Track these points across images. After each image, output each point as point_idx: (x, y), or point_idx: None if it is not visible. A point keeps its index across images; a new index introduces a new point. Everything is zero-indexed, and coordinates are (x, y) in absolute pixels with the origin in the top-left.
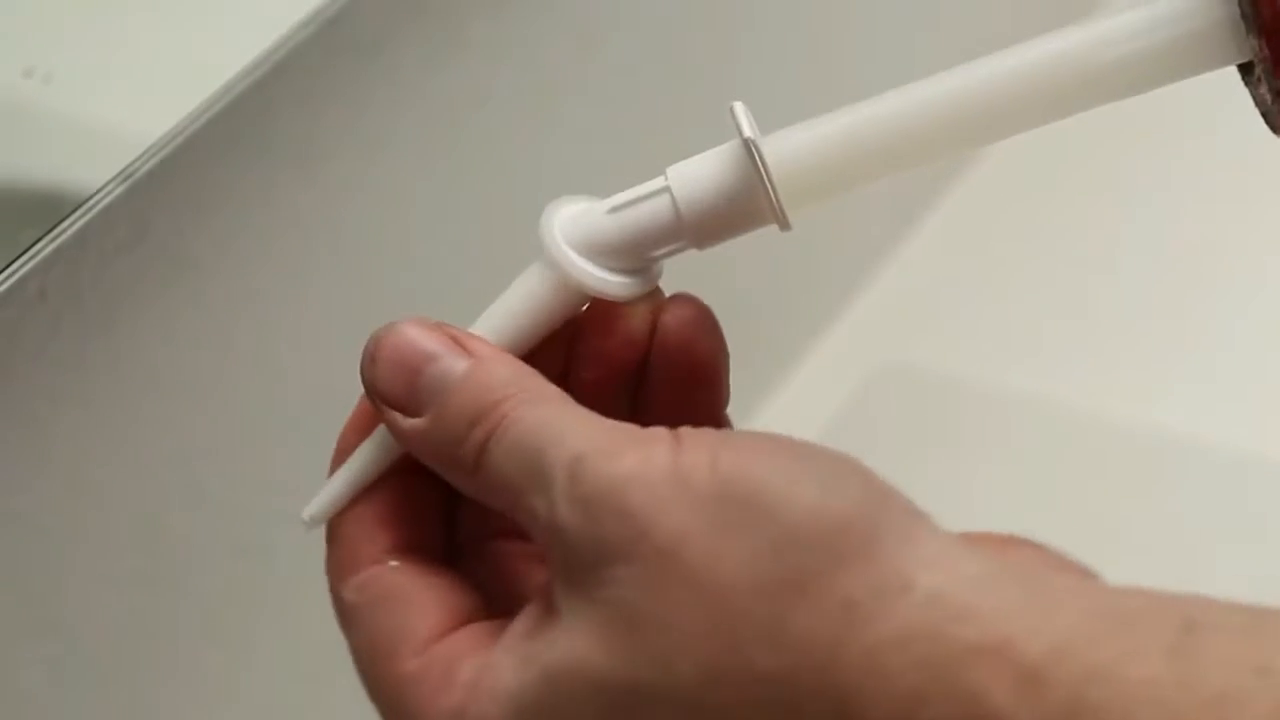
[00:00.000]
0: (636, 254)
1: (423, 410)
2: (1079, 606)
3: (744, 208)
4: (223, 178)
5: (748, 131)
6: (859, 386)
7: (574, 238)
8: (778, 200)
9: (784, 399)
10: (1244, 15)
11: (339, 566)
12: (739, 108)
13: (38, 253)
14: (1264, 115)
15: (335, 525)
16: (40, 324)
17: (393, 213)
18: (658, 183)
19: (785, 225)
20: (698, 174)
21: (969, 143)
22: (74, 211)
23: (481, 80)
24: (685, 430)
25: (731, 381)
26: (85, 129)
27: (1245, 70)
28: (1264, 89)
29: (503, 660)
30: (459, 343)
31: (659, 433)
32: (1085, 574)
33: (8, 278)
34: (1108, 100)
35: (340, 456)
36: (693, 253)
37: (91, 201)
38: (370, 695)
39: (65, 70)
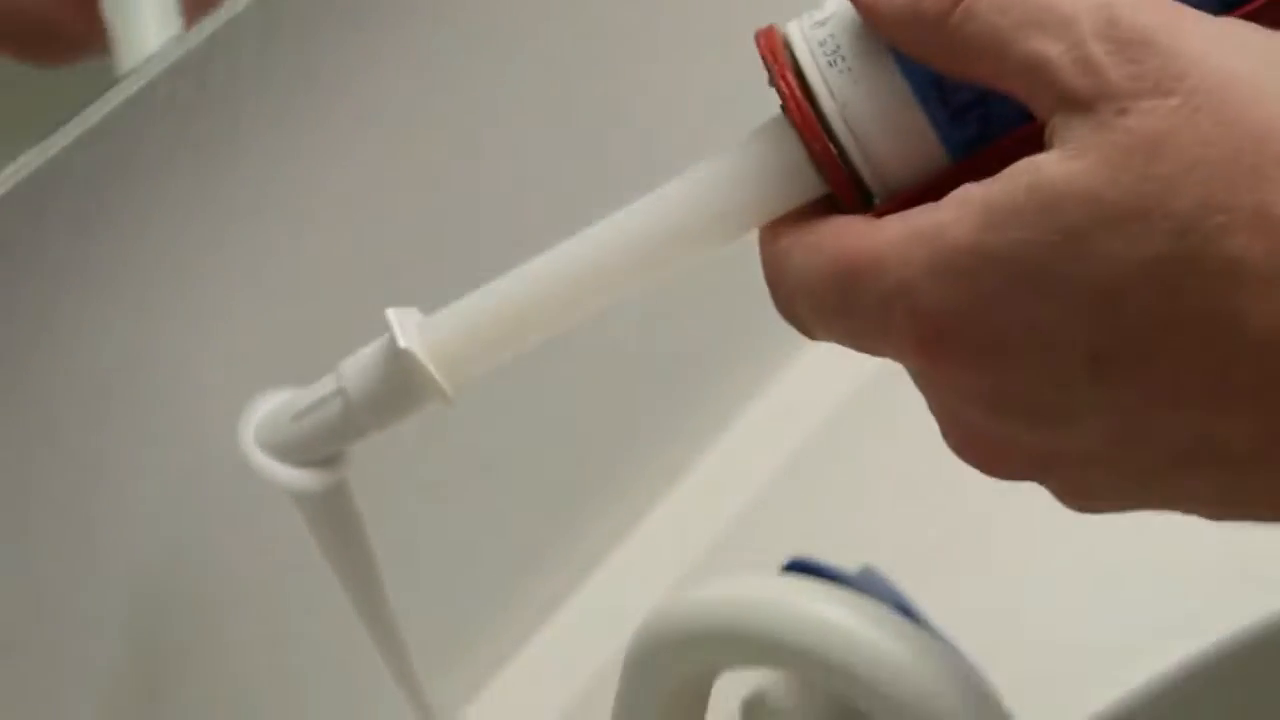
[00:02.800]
0: (325, 448)
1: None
2: None
3: (412, 399)
4: None
5: (402, 343)
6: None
7: (267, 443)
8: (444, 388)
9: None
10: (810, 155)
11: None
12: (391, 316)
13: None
14: None
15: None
16: (167, 130)
17: None
18: (329, 385)
19: (449, 403)
20: (365, 370)
21: (591, 306)
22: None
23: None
24: None
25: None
26: None
27: None
28: None
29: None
30: None
31: None
32: None
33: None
34: (715, 249)
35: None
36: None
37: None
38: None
39: None
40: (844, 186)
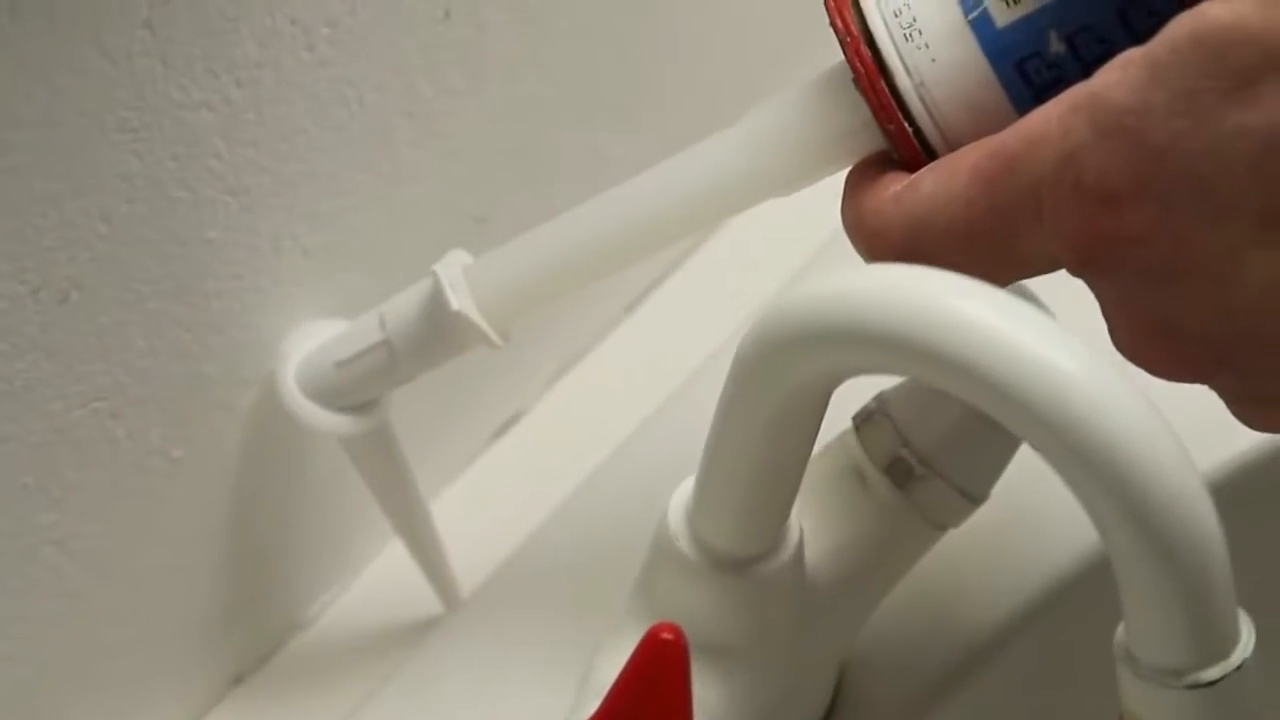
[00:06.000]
0: (366, 393)
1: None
2: None
3: (456, 346)
4: None
5: (454, 305)
6: None
7: (309, 388)
8: (493, 339)
9: None
10: (884, 133)
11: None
12: (440, 274)
13: None
14: None
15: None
16: None
17: None
18: (374, 333)
19: (497, 348)
20: (411, 323)
21: (640, 254)
22: None
23: None
24: None
25: None
26: None
27: None
28: None
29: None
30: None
31: None
32: None
33: None
34: (770, 198)
35: None
36: None
37: None
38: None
39: None
40: (917, 163)
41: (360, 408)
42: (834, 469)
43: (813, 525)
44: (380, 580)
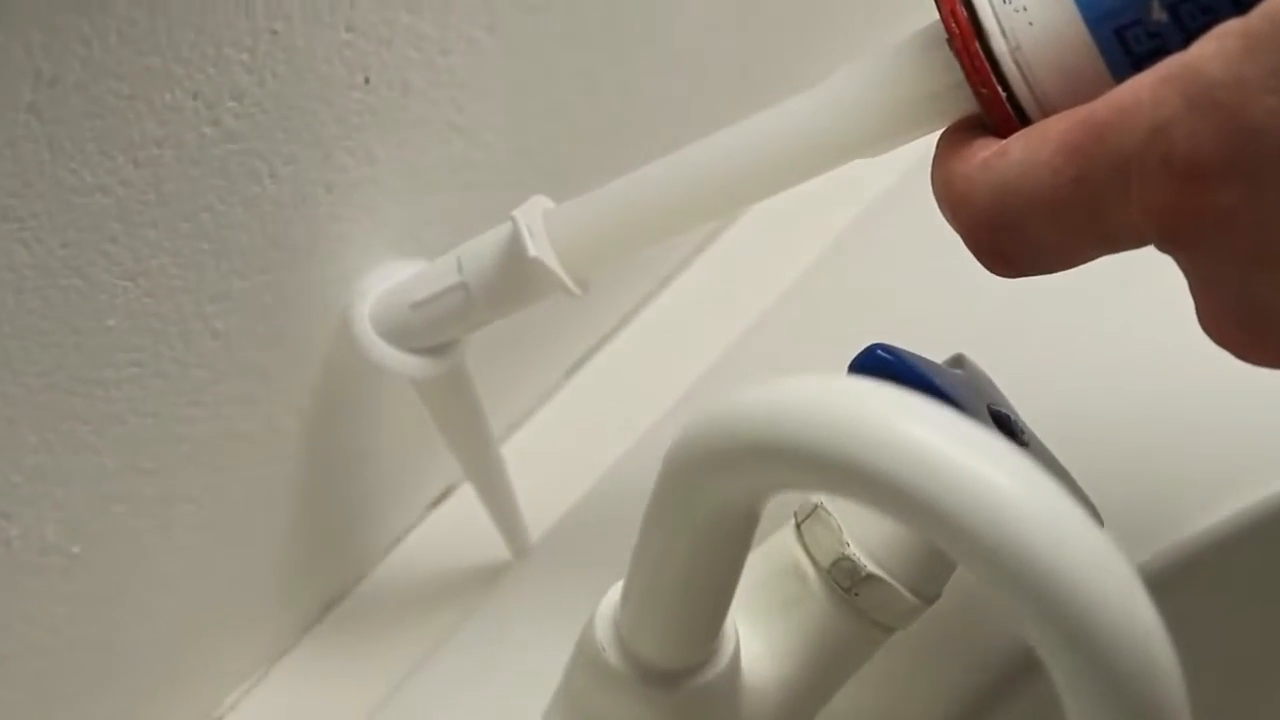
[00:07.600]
0: (441, 335)
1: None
2: None
3: (534, 293)
4: None
5: (532, 252)
6: None
7: (384, 329)
8: (570, 287)
9: None
10: (977, 97)
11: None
12: (520, 219)
13: None
14: None
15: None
16: None
17: None
18: (451, 275)
19: (575, 296)
20: (489, 267)
21: (722, 210)
22: None
23: None
24: None
25: None
26: None
27: None
28: None
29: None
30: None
31: None
32: None
33: None
34: (855, 158)
35: None
36: None
37: None
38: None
39: None
40: (1009, 128)
41: (435, 350)
42: (774, 569)
43: (751, 629)
44: (448, 525)
